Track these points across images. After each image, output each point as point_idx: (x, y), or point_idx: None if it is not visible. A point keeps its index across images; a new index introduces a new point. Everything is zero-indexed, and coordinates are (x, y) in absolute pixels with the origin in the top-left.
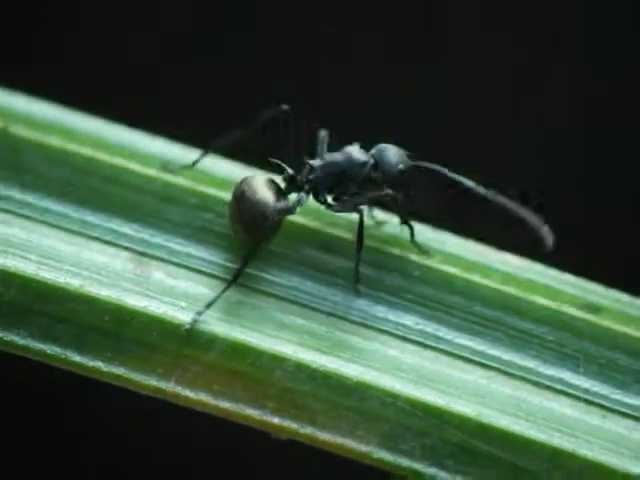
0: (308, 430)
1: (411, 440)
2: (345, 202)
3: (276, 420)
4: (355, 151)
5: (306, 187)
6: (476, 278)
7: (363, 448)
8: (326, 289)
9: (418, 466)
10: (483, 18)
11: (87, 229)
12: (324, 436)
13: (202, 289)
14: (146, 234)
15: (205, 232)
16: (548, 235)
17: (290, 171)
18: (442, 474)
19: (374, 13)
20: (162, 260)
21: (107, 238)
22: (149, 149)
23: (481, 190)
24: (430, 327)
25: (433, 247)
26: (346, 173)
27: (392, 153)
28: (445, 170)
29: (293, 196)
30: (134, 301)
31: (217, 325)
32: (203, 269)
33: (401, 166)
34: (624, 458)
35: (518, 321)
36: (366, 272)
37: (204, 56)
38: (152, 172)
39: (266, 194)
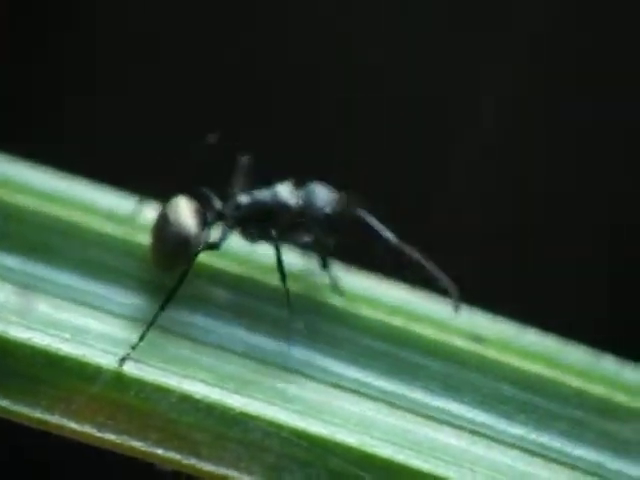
0: (192, 461)
1: (295, 470)
2: (268, 239)
3: (160, 451)
4: (284, 191)
5: (230, 222)
6: (363, 310)
7: (247, 479)
8: (209, 321)
9: None
10: None
11: None
12: (208, 467)
13: (87, 321)
14: (29, 266)
15: (89, 264)
16: (454, 293)
17: (218, 204)
18: None
19: None
20: (46, 292)
21: None
22: (33, 182)
23: (403, 248)
24: (316, 359)
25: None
26: (272, 214)
27: (321, 196)
28: (374, 223)
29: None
30: (17, 333)
31: (101, 357)
32: (88, 301)
33: (327, 210)
34: None
35: (405, 352)
36: (247, 304)
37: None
38: (36, 205)
39: (190, 221)
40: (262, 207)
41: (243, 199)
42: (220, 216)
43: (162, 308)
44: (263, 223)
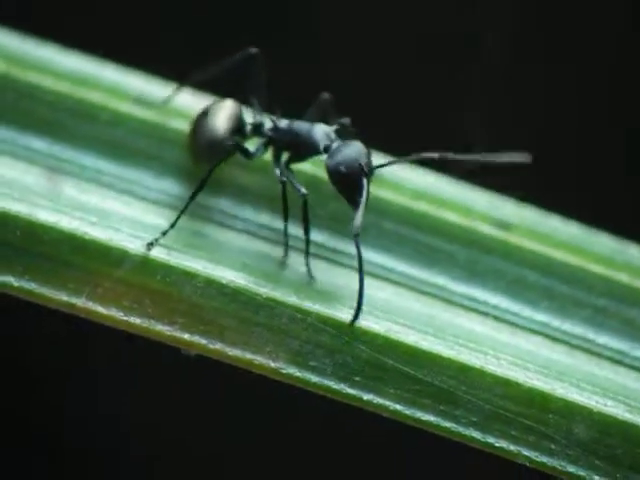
0: (217, 346)
1: (321, 357)
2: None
3: (186, 336)
4: (320, 132)
5: (264, 140)
6: (387, 195)
7: (272, 364)
8: (237, 207)
9: (328, 382)
10: None
11: None
12: (233, 352)
13: (114, 205)
14: (57, 149)
15: (116, 148)
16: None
17: (260, 118)
18: (351, 390)
19: None
20: (74, 175)
21: (18, 153)
22: (63, 65)
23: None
24: (340, 244)
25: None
26: (301, 147)
27: (350, 152)
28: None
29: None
30: (45, 216)
31: (128, 241)
32: (114, 185)
33: (343, 169)
34: (530, 373)
35: (429, 238)
36: (273, 188)
37: None
38: (65, 88)
39: (222, 124)
40: (295, 138)
41: (281, 123)
42: (257, 131)
43: (192, 198)
44: (289, 150)
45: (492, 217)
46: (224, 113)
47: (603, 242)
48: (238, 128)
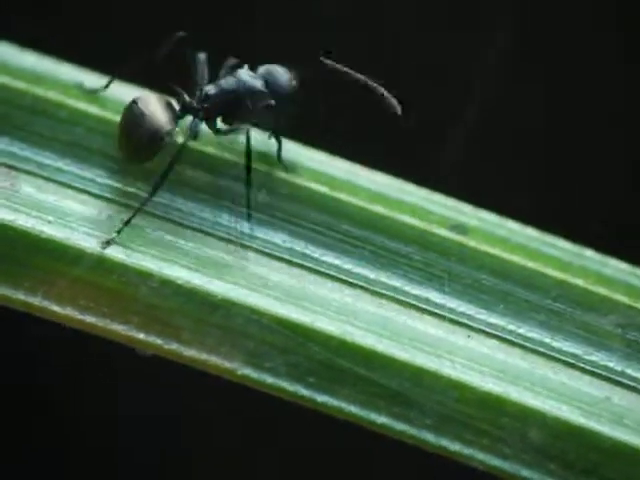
0: (173, 346)
1: (276, 358)
2: (233, 125)
3: (141, 335)
4: (247, 76)
5: (200, 114)
6: (344, 196)
7: (227, 365)
8: (194, 205)
9: (282, 384)
10: None
11: None
12: (189, 352)
13: (71, 203)
14: (15, 147)
15: (75, 147)
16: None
17: (186, 96)
18: (305, 391)
19: None
20: (31, 174)
21: None
22: (19, 63)
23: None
24: (298, 245)
25: (301, 165)
26: (240, 100)
27: (280, 73)
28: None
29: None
30: (1, 214)
31: (84, 240)
32: (72, 184)
33: (290, 85)
34: (485, 377)
35: (385, 240)
36: (234, 187)
37: None
38: (21, 86)
39: (162, 114)
40: (230, 94)
41: (210, 89)
42: (189, 109)
43: (151, 196)
44: (232, 110)
45: (449, 220)
46: (157, 105)
47: (559, 246)
48: (174, 115)
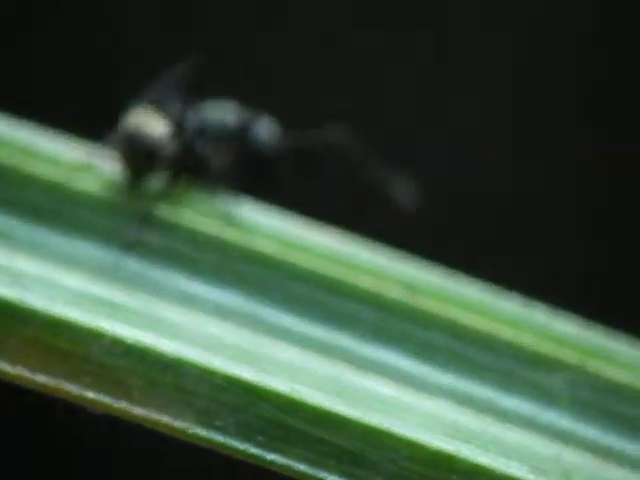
0: (123, 405)
1: (226, 416)
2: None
3: (91, 395)
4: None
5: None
6: (295, 257)
7: (178, 424)
8: (141, 264)
9: (233, 442)
10: None
11: None
12: (139, 411)
13: (22, 264)
14: None
15: (25, 206)
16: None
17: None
18: (254, 450)
19: None
20: None
21: None
22: None
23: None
24: (249, 306)
25: (254, 223)
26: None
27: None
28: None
29: None
30: None
31: (36, 299)
32: (23, 243)
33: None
34: (437, 435)
35: (337, 301)
36: (184, 250)
37: None
38: None
39: (163, 126)
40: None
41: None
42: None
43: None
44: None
45: (400, 280)
46: (157, 118)
47: (509, 305)
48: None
